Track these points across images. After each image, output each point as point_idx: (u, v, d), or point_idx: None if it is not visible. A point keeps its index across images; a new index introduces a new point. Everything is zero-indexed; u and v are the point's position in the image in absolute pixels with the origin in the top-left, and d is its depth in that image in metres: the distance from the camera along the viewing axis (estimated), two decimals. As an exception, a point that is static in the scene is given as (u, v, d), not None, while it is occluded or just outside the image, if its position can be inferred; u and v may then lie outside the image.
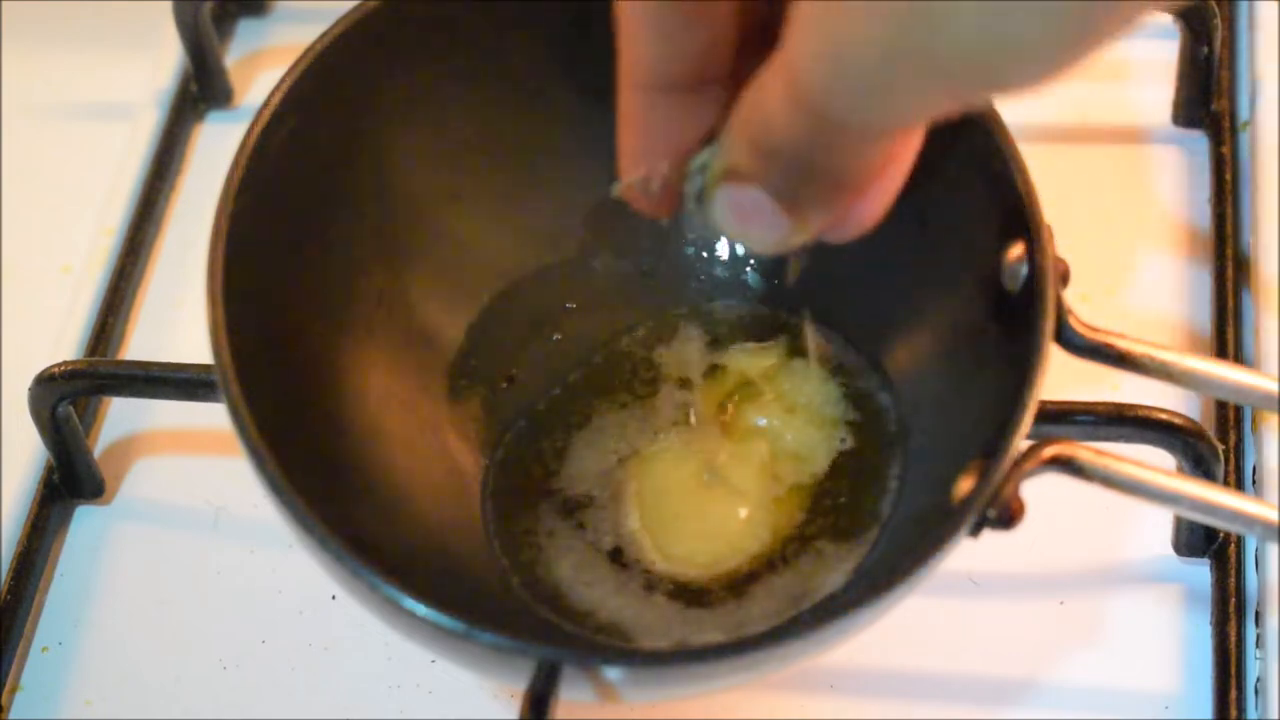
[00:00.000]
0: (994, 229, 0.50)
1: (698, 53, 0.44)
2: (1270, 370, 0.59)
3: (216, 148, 0.70)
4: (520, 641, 0.46)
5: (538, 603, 0.54)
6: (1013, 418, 0.47)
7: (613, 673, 0.46)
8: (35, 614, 0.59)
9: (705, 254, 0.59)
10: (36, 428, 0.60)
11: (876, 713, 0.55)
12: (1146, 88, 0.68)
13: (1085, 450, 0.48)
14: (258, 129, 0.52)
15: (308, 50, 0.53)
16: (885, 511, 0.54)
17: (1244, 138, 0.66)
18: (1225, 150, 0.66)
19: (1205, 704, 0.55)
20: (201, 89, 0.71)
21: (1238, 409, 0.59)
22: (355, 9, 0.54)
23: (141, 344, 0.65)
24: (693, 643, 0.52)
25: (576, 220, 0.58)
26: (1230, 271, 0.63)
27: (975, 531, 0.47)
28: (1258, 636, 0.55)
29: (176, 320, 0.66)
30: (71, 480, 0.61)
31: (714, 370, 0.57)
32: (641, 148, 0.47)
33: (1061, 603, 0.57)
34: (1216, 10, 0.64)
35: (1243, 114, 0.67)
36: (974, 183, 0.51)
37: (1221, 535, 0.57)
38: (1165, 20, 0.66)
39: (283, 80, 0.53)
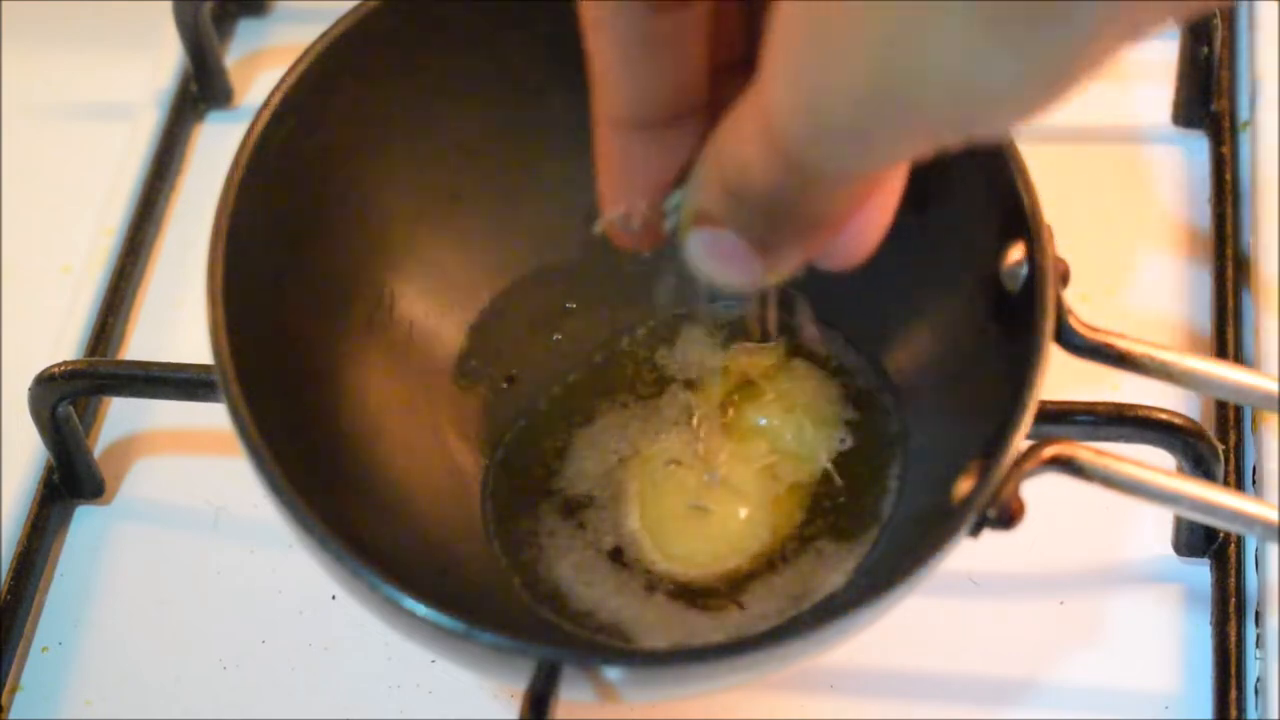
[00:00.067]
0: (994, 229, 0.50)
1: (671, 90, 0.44)
2: (1270, 370, 0.59)
3: (216, 148, 0.70)
4: (520, 641, 0.46)
5: (538, 603, 0.54)
6: (1013, 418, 0.47)
7: (613, 673, 0.46)
8: (35, 614, 0.59)
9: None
10: (36, 428, 0.60)
11: (876, 713, 0.55)
12: (1146, 88, 0.68)
13: (1085, 450, 0.48)
14: (258, 129, 0.52)
15: (308, 50, 0.53)
16: (885, 511, 0.54)
17: (1244, 138, 0.66)
18: (1225, 150, 0.65)
19: (1205, 704, 0.55)
20: (201, 89, 0.71)
21: (1238, 409, 0.59)
22: (355, 9, 0.54)
23: (141, 344, 0.65)
24: (693, 643, 0.52)
25: (576, 220, 0.58)
26: (1230, 272, 0.63)
27: (975, 531, 0.47)
28: (1258, 636, 0.55)
29: (176, 320, 0.66)
30: (71, 480, 0.61)
31: (714, 370, 0.57)
32: (620, 185, 0.46)
33: (1061, 603, 0.57)
34: (1216, 10, 0.64)
35: (1243, 114, 0.67)
36: (974, 183, 0.51)
37: (1221, 535, 0.57)
38: (1165, 20, 0.66)
39: (283, 80, 0.53)
